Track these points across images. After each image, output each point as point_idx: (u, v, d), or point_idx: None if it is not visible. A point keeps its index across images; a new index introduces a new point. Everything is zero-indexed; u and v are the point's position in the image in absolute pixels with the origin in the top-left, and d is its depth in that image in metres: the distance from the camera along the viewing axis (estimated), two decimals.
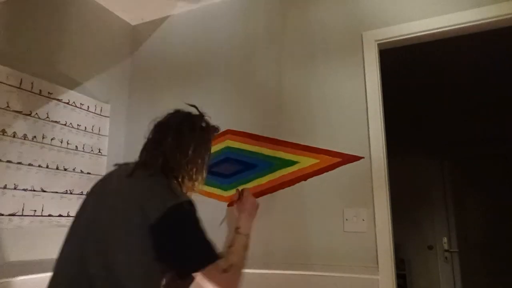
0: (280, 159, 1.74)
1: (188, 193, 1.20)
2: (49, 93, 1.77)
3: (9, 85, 1.60)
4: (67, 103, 1.86)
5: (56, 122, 1.79)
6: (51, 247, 1.70)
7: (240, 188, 1.65)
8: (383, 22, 1.68)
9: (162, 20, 2.28)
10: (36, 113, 1.70)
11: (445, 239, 4.13)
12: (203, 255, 1.05)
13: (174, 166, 1.15)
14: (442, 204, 4.20)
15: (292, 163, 1.72)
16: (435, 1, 1.60)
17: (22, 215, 1.60)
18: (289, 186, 1.70)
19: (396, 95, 2.37)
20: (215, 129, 1.33)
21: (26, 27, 1.72)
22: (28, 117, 1.67)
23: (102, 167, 2.01)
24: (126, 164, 1.20)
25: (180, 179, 1.16)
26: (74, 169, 1.85)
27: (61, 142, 1.80)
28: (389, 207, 1.53)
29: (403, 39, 1.65)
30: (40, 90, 1.73)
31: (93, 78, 2.05)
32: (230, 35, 2.03)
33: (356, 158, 1.61)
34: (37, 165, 1.68)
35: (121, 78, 2.24)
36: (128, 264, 0.99)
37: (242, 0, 2.05)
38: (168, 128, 1.21)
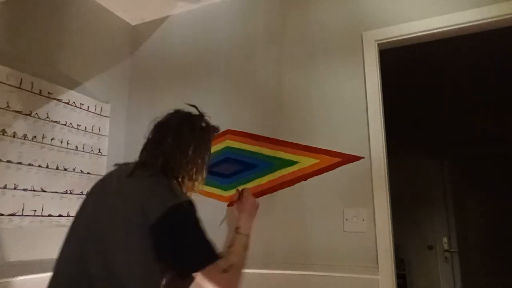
0: (280, 159, 1.74)
1: (188, 193, 1.20)
2: (49, 93, 1.77)
3: (9, 85, 1.60)
4: (67, 103, 1.86)
5: (56, 122, 1.79)
6: (51, 247, 1.70)
7: (240, 188, 1.65)
8: (383, 22, 1.68)
9: (162, 20, 2.28)
10: (36, 113, 1.70)
11: (445, 239, 4.13)
12: (203, 255, 1.05)
13: (174, 166, 1.15)
14: (442, 204, 4.20)
15: (292, 163, 1.72)
16: (435, 1, 1.60)
17: (22, 215, 1.60)
18: (289, 186, 1.70)
19: (396, 95, 2.37)
20: (215, 129, 1.33)
21: (26, 27, 1.72)
22: (28, 117, 1.67)
23: (102, 167, 2.01)
24: (126, 164, 1.20)
25: (180, 179, 1.16)
26: (74, 169, 1.85)
27: (61, 142, 1.80)
28: (389, 207, 1.53)
29: (403, 39, 1.65)
30: (40, 90, 1.73)
31: (93, 78, 2.05)
32: (230, 35, 2.03)
33: (356, 158, 1.61)
34: (37, 165, 1.68)
35: (121, 78, 2.24)
36: (128, 264, 0.99)
37: (242, 0, 2.05)
38: (168, 128, 1.21)
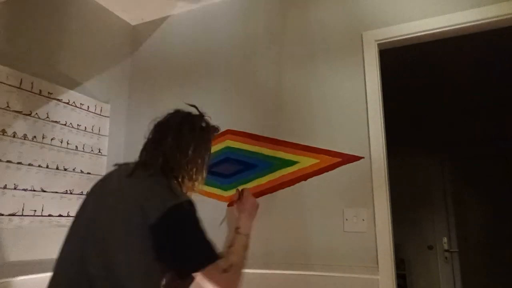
0: (280, 159, 1.74)
1: (188, 193, 1.20)
2: (49, 93, 1.77)
3: (9, 85, 1.60)
4: (67, 103, 1.86)
5: (56, 122, 1.79)
6: (51, 247, 1.70)
7: (240, 188, 1.65)
8: (383, 22, 1.68)
9: (162, 20, 2.28)
10: (36, 113, 1.70)
11: (445, 239, 4.13)
12: (203, 255, 1.05)
13: (174, 166, 1.15)
14: (442, 204, 4.20)
15: (292, 163, 1.72)
16: (435, 1, 1.60)
17: (22, 215, 1.60)
18: (289, 186, 1.70)
19: (396, 95, 2.37)
20: (215, 129, 1.33)
21: (26, 27, 1.72)
22: (28, 117, 1.67)
23: (102, 167, 2.01)
24: (126, 164, 1.20)
25: (180, 179, 1.16)
26: (74, 169, 1.85)
27: (61, 142, 1.80)
28: (389, 207, 1.53)
29: (403, 39, 1.65)
30: (40, 90, 1.73)
31: (93, 78, 2.05)
32: (230, 35, 2.03)
33: (356, 158, 1.61)
34: (37, 165, 1.68)
35: (121, 78, 2.24)
36: (128, 264, 0.99)
37: (242, 0, 2.05)
38: (168, 128, 1.21)
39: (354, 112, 1.65)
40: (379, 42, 1.67)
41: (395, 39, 1.65)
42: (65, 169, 1.81)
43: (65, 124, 1.83)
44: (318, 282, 1.53)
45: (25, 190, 1.62)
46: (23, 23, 1.72)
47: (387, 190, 1.54)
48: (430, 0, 1.61)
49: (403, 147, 3.65)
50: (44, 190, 1.70)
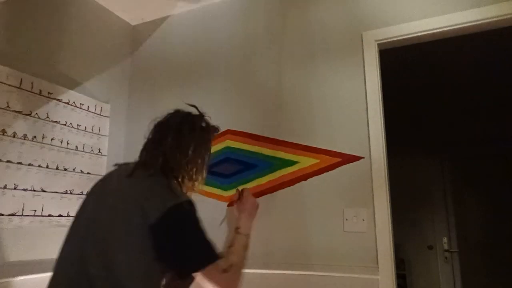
0: (280, 159, 1.74)
1: (188, 193, 1.21)
2: (49, 93, 1.77)
3: (9, 85, 1.60)
4: (67, 103, 1.86)
5: (56, 122, 1.79)
6: (51, 247, 1.70)
7: (240, 188, 1.65)
8: (383, 22, 1.68)
9: (162, 20, 2.28)
10: (36, 113, 1.70)
11: (445, 239, 4.13)
12: (203, 255, 1.05)
13: (174, 166, 1.15)
14: (442, 204, 4.20)
15: (292, 163, 1.72)
16: (435, 1, 1.60)
17: (22, 215, 1.60)
18: (289, 186, 1.70)
19: (396, 95, 2.37)
20: (215, 129, 1.33)
21: (26, 27, 1.72)
22: (28, 117, 1.67)
23: (102, 167, 2.01)
24: (126, 164, 1.20)
25: (180, 179, 1.17)
26: (74, 169, 1.85)
27: (61, 142, 1.80)
28: (389, 207, 1.53)
29: (403, 39, 1.65)
30: (40, 90, 1.73)
31: (93, 78, 2.05)
32: (230, 35, 2.03)
33: (356, 158, 1.61)
34: (37, 165, 1.68)
35: (121, 78, 2.24)
36: (128, 264, 0.99)
37: (242, 0, 2.05)
38: (168, 128, 1.21)
39: (354, 112, 1.65)
40: (379, 42, 1.67)
41: (395, 39, 1.65)
42: (65, 169, 1.81)
43: (65, 124, 1.83)
44: (318, 282, 1.53)
45: (25, 190, 1.62)
46: (23, 23, 1.72)
47: (387, 190, 1.54)
48: (430, 0, 1.61)
49: (403, 147, 3.65)
50: (44, 190, 1.70)
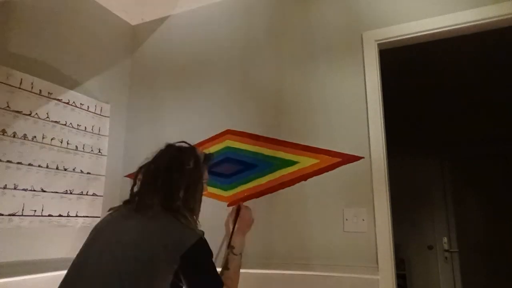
0: (280, 159, 1.74)
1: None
2: (49, 93, 1.77)
3: (9, 85, 1.60)
4: (67, 103, 1.86)
5: (56, 122, 1.79)
6: (51, 247, 1.70)
7: (239, 203, 1.63)
8: (383, 22, 1.68)
9: (162, 20, 2.28)
10: (36, 113, 1.70)
11: (445, 239, 4.13)
12: (215, 283, 1.14)
13: (173, 206, 1.17)
14: (442, 204, 4.20)
15: (292, 163, 1.72)
16: (435, 1, 1.60)
17: (22, 215, 1.60)
18: (289, 186, 1.70)
19: (396, 95, 2.37)
20: (208, 158, 1.35)
21: (26, 27, 1.72)
22: (28, 117, 1.67)
23: (102, 167, 2.01)
24: (123, 207, 1.22)
25: (183, 213, 1.18)
26: (74, 169, 1.85)
27: (61, 142, 1.80)
28: (389, 207, 1.53)
29: (403, 39, 1.65)
30: (40, 90, 1.73)
31: (93, 78, 2.05)
32: (230, 35, 2.03)
33: (356, 158, 1.61)
34: (37, 165, 1.68)
35: (121, 78, 2.24)
36: None
37: (242, 0, 2.05)
38: (156, 171, 1.22)
39: (354, 112, 1.65)
40: (379, 42, 1.67)
41: (395, 39, 1.65)
42: (65, 169, 1.81)
43: (65, 124, 1.83)
44: (318, 282, 1.53)
45: (25, 190, 1.62)
46: (23, 23, 1.72)
47: (387, 190, 1.54)
48: (430, 0, 1.61)
49: (403, 147, 3.65)
50: (44, 190, 1.70)
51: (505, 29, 1.57)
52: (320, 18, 1.82)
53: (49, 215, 1.71)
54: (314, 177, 1.67)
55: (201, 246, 1.12)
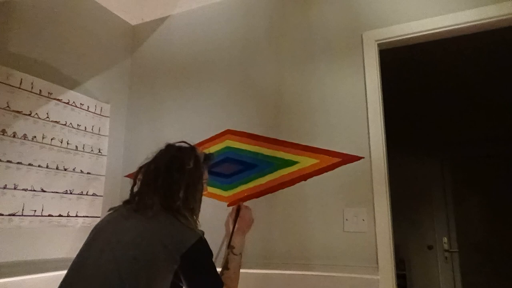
0: (280, 159, 1.74)
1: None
2: (49, 93, 1.77)
3: (9, 85, 1.60)
4: (67, 103, 1.86)
5: (56, 122, 1.79)
6: (51, 247, 1.70)
7: (239, 203, 1.62)
8: (383, 22, 1.68)
9: (162, 20, 2.28)
10: (36, 113, 1.70)
11: (445, 239, 4.13)
12: (215, 283, 1.14)
13: (172, 206, 1.17)
14: (442, 204, 4.20)
15: (292, 163, 1.72)
16: (435, 1, 1.60)
17: (22, 215, 1.60)
18: (289, 186, 1.70)
19: (396, 95, 2.38)
20: (208, 158, 1.35)
21: (26, 27, 1.72)
22: (28, 117, 1.67)
23: (102, 167, 2.01)
24: (124, 207, 1.21)
25: (183, 214, 1.18)
26: (74, 169, 1.85)
27: (61, 142, 1.80)
28: (389, 207, 1.53)
29: (403, 39, 1.65)
30: (40, 90, 1.73)
31: (93, 78, 2.05)
32: (230, 35, 2.03)
33: (356, 158, 1.61)
34: (37, 165, 1.68)
35: (121, 78, 2.24)
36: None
37: (242, 0, 2.05)
38: (156, 170, 1.22)
39: (354, 112, 1.65)
40: (379, 42, 1.67)
41: (395, 39, 1.65)
42: (65, 169, 1.81)
43: (65, 124, 1.83)
44: (318, 282, 1.53)
45: (25, 190, 1.62)
46: (23, 23, 1.72)
47: (387, 190, 1.54)
48: (430, 0, 1.61)
49: (403, 147, 3.65)
50: (44, 190, 1.70)
51: (505, 29, 1.57)
52: (320, 18, 1.82)
53: (49, 215, 1.71)
54: (314, 177, 1.67)
55: (201, 246, 1.12)
